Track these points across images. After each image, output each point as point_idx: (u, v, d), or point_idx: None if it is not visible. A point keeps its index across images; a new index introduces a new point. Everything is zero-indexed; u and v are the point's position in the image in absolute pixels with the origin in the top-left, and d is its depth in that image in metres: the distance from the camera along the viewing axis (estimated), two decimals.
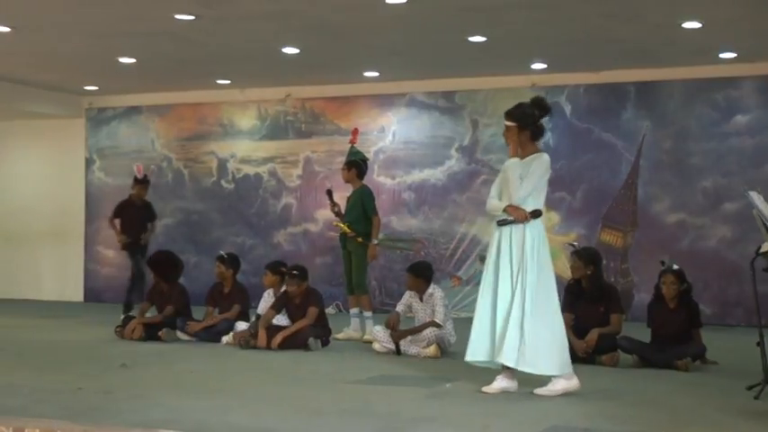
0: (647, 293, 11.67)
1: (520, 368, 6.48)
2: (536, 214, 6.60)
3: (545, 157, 6.73)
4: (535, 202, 6.65)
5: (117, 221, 12.27)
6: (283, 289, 9.46)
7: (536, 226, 6.62)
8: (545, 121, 6.90)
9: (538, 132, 6.80)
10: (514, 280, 6.54)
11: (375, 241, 10.08)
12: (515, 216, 6.59)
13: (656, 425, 5.66)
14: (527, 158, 6.70)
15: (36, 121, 15.88)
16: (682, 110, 12.55)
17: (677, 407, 6.26)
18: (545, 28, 10.56)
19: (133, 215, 12.28)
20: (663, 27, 10.39)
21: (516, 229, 6.60)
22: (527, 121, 6.74)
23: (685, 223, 12.43)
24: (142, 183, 12.44)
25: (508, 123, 6.78)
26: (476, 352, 6.68)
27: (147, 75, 13.63)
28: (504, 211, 6.64)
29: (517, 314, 6.48)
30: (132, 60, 12.55)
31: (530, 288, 6.50)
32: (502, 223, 6.68)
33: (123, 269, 15.25)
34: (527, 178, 6.63)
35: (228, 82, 14.22)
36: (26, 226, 16.09)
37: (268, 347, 8.94)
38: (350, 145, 10.55)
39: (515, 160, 6.72)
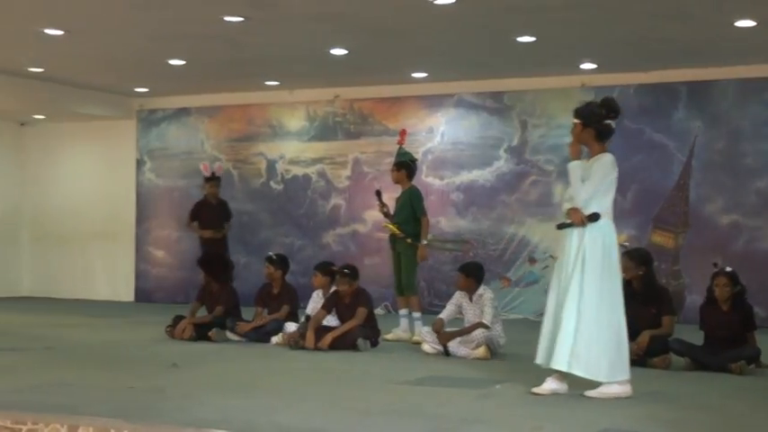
0: (699, 295, 11.51)
1: (573, 372, 6.42)
2: (593, 218, 6.49)
3: (607, 157, 6.58)
4: (598, 204, 6.51)
5: (195, 224, 12.24)
6: (333, 289, 9.48)
7: (599, 229, 6.48)
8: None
9: (604, 132, 6.64)
10: (571, 283, 6.46)
11: (424, 242, 10.07)
12: (572, 219, 6.53)
13: (709, 429, 5.59)
14: (591, 160, 6.61)
15: (88, 122, 16.08)
16: (735, 110, 12.39)
17: (731, 411, 6.17)
18: (594, 27, 10.48)
19: (210, 215, 12.29)
20: (715, 26, 10.26)
21: (578, 233, 6.52)
22: (591, 120, 6.62)
23: (739, 224, 12.27)
24: (211, 180, 12.42)
25: (574, 120, 6.70)
26: (540, 355, 6.62)
27: (196, 76, 13.74)
28: (567, 214, 6.59)
29: (571, 317, 6.41)
30: (182, 62, 12.66)
31: (589, 291, 6.40)
32: (560, 227, 6.62)
33: (174, 269, 15.45)
34: (588, 180, 6.53)
35: (277, 83, 14.29)
36: (78, 226, 16.29)
37: (316, 348, 8.96)
38: (398, 146, 10.55)
39: (579, 162, 6.64)
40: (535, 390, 6.54)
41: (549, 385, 6.54)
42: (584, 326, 6.37)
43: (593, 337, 6.38)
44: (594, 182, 6.52)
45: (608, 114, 6.67)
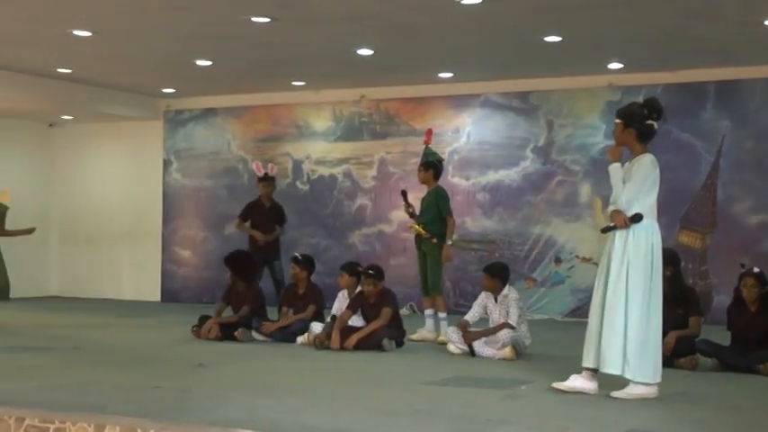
0: (726, 296, 11.42)
1: (625, 375, 6.39)
2: (635, 219, 6.42)
3: (647, 158, 6.53)
4: (641, 205, 6.47)
5: (247, 224, 11.82)
6: (359, 289, 9.49)
7: (642, 229, 6.43)
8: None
9: (646, 133, 6.59)
10: (618, 285, 6.43)
11: (449, 242, 10.05)
12: (615, 222, 6.49)
13: (736, 430, 5.55)
14: (632, 161, 6.57)
15: (115, 123, 16.18)
16: (763, 109, 12.30)
17: (758, 412, 6.13)
18: (622, 27, 10.43)
19: (262, 217, 11.84)
20: (744, 25, 10.17)
21: (621, 235, 6.47)
22: (633, 120, 6.57)
23: (767, 225, 12.17)
24: (265, 180, 11.99)
25: (616, 121, 6.67)
26: (586, 358, 6.55)
27: (223, 77, 13.80)
28: (610, 217, 6.55)
29: (620, 320, 6.37)
30: (209, 63, 12.71)
31: (635, 293, 6.37)
32: (604, 231, 6.59)
33: (200, 269, 15.51)
34: (629, 182, 6.49)
35: (303, 84, 14.31)
36: (106, 226, 16.41)
37: (342, 348, 8.97)
38: (425, 146, 10.54)
39: (619, 164, 6.60)
40: (557, 385, 6.54)
41: (573, 383, 6.51)
42: (632, 328, 6.34)
43: (641, 338, 6.35)
44: (636, 183, 6.47)
45: (650, 115, 6.60)
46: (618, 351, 6.35)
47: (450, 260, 10.28)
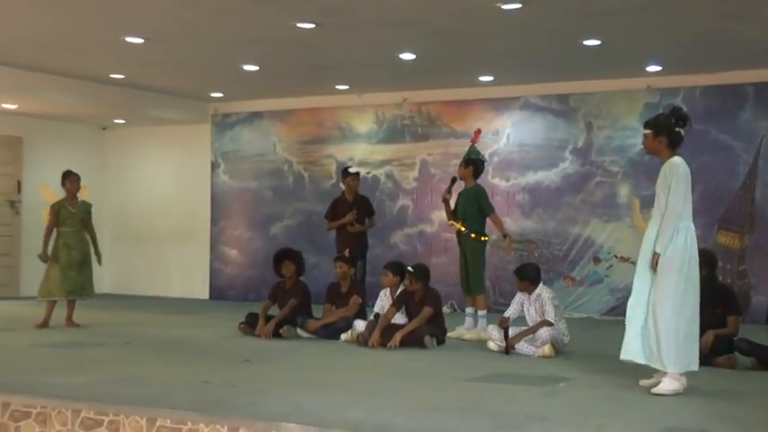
0: (765, 296, 11.51)
1: (652, 365, 6.63)
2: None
3: (678, 165, 6.76)
4: (687, 212, 6.78)
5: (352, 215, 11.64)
6: (401, 288, 9.68)
7: (680, 232, 6.74)
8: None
9: (675, 140, 6.84)
10: (647, 280, 6.73)
11: (505, 236, 10.27)
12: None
13: None
14: (663, 167, 6.81)
15: (165, 126, 16.50)
16: None
17: None
18: (661, 30, 10.47)
19: (346, 212, 11.71)
20: None
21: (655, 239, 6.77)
22: (662, 129, 6.84)
23: None
24: (346, 174, 11.82)
25: (645, 131, 6.93)
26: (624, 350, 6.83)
27: (269, 81, 13.98)
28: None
29: (642, 312, 6.66)
30: (255, 68, 12.92)
31: (667, 288, 6.62)
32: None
33: (246, 268, 15.73)
34: (664, 191, 6.72)
35: (347, 87, 14.45)
36: (156, 226, 16.73)
37: (380, 346, 9.12)
38: (471, 145, 10.66)
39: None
40: (643, 382, 6.84)
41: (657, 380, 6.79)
42: (666, 320, 6.59)
43: (674, 329, 6.59)
44: (678, 193, 6.69)
45: (677, 123, 6.85)
46: (640, 342, 6.65)
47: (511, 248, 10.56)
